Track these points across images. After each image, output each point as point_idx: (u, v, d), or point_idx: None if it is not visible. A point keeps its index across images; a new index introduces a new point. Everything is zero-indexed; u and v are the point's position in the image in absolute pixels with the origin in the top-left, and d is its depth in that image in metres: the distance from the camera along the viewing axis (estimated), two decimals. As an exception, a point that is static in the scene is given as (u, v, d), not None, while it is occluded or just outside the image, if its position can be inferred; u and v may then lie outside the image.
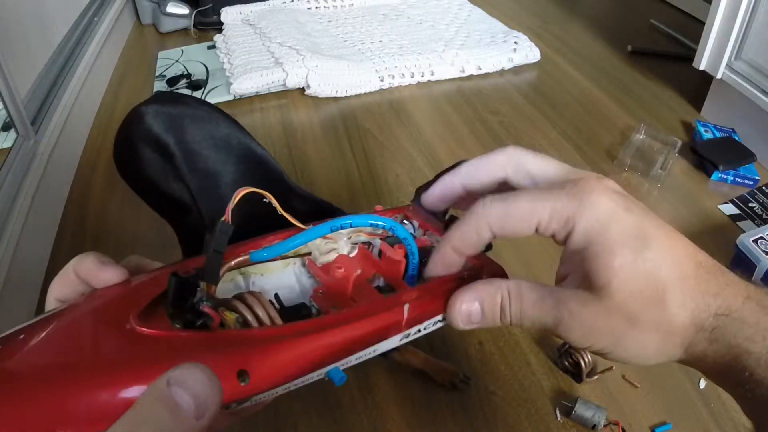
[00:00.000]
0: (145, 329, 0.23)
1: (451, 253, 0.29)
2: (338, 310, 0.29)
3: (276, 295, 0.30)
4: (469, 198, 0.31)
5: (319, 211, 0.70)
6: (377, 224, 0.31)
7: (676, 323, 0.26)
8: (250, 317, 0.26)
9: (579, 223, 0.26)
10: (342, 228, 0.30)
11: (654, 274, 0.26)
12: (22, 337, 0.22)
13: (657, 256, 0.26)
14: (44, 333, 0.22)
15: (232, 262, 0.30)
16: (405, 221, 0.35)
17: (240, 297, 0.27)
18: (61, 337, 0.22)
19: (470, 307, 0.28)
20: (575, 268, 0.28)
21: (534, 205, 0.27)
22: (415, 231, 0.35)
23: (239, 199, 0.27)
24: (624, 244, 0.26)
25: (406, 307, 0.28)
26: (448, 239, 0.29)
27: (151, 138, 0.68)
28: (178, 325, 0.24)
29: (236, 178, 0.69)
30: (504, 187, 0.30)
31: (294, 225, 0.30)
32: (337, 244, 0.32)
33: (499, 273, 0.32)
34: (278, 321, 0.27)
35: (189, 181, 0.67)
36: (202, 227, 0.68)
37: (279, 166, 0.74)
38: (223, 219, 0.26)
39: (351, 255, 0.32)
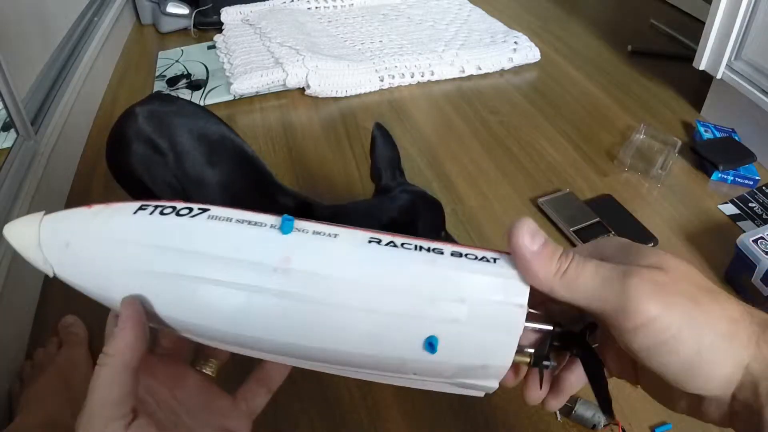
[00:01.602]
0: None
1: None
2: None
3: None
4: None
5: (303, 206, 0.71)
6: None
7: (736, 314, 0.26)
8: None
9: (609, 246, 0.29)
10: None
11: (697, 272, 0.27)
12: None
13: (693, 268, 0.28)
14: None
15: None
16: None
17: None
18: None
19: (535, 231, 0.27)
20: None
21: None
22: None
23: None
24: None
25: None
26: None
27: (144, 137, 0.68)
28: None
29: (226, 179, 0.70)
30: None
31: None
32: None
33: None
34: None
35: (180, 180, 0.68)
36: None
37: (266, 166, 0.75)
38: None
39: None
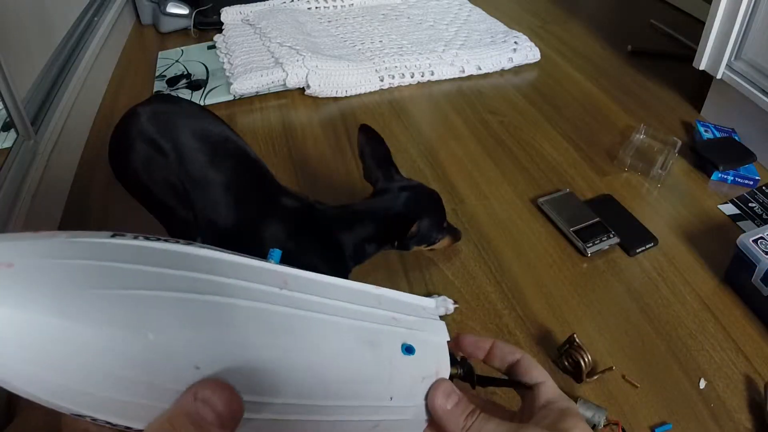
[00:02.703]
0: None
1: None
2: None
3: None
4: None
5: (305, 207, 0.71)
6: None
7: None
8: None
9: (564, 403, 0.33)
10: None
11: None
12: None
13: None
14: None
15: None
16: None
17: None
18: None
19: (452, 392, 0.32)
20: (543, 419, 0.32)
21: (547, 374, 0.35)
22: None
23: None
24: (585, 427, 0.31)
25: None
26: None
27: (146, 138, 0.68)
28: None
29: (228, 180, 0.70)
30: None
31: None
32: None
33: None
34: None
35: (182, 181, 0.68)
36: (191, 224, 0.68)
37: (268, 168, 0.75)
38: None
39: None
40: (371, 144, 0.74)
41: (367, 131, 0.74)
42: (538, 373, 0.35)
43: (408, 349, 0.31)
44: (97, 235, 0.25)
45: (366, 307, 0.32)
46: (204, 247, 0.27)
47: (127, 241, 0.25)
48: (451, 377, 0.34)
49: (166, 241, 0.26)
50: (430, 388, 0.32)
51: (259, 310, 0.27)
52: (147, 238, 0.26)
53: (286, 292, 0.28)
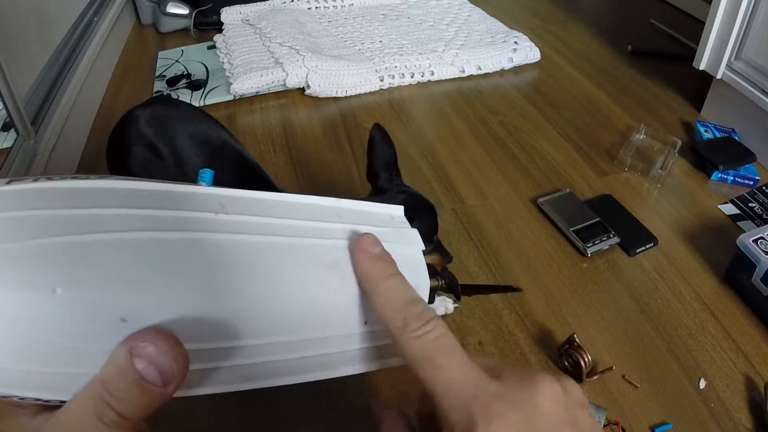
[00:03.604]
0: None
1: None
2: None
3: None
4: None
5: None
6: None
7: None
8: None
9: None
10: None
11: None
12: None
13: None
14: None
15: None
16: None
17: None
18: None
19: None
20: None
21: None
22: None
23: None
24: None
25: None
26: None
27: (144, 141, 0.68)
28: None
29: (226, 185, 0.70)
30: None
31: None
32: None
33: None
34: None
35: (178, 180, 0.68)
36: None
37: (267, 173, 0.75)
38: None
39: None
40: (381, 146, 0.74)
41: (380, 131, 0.74)
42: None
43: None
44: None
45: (323, 223, 0.27)
46: (115, 179, 0.23)
47: (25, 186, 0.21)
48: (433, 291, 0.30)
49: (73, 178, 0.22)
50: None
51: (192, 241, 0.22)
52: (49, 179, 0.22)
53: (223, 217, 0.24)
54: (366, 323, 0.27)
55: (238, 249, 0.23)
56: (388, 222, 0.30)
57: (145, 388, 0.19)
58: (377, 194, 0.72)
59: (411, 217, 0.69)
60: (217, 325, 0.22)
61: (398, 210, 0.31)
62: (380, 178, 0.73)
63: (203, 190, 0.25)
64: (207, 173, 0.27)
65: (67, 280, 0.19)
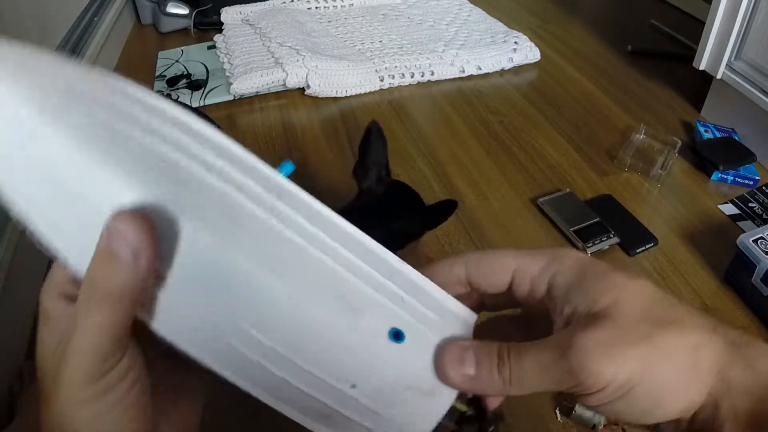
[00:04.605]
0: None
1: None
2: None
3: None
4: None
5: None
6: None
7: (700, 338, 0.24)
8: None
9: (562, 263, 0.26)
10: None
11: (657, 295, 0.25)
12: None
13: (650, 288, 0.25)
14: None
15: None
16: None
17: None
18: None
19: (464, 353, 0.25)
20: (567, 314, 0.25)
21: (516, 253, 0.27)
22: None
23: None
24: (616, 271, 0.25)
25: None
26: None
27: None
28: None
29: None
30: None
31: None
32: None
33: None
34: None
35: None
36: None
37: None
38: None
39: None
40: (377, 143, 0.74)
41: (377, 128, 0.74)
42: (498, 262, 0.27)
43: (396, 335, 0.24)
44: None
45: (373, 270, 0.25)
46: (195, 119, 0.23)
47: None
48: (455, 415, 0.27)
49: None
50: (439, 363, 0.25)
51: (244, 204, 0.22)
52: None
53: (281, 205, 0.23)
54: (354, 387, 0.24)
55: (285, 245, 0.23)
56: (443, 313, 0.26)
57: (116, 263, 0.21)
58: (364, 194, 0.72)
59: (395, 213, 0.69)
60: (252, 303, 0.23)
61: (465, 312, 0.27)
62: (368, 177, 0.73)
63: (270, 172, 0.24)
64: (287, 165, 0.25)
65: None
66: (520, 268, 0.27)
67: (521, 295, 0.27)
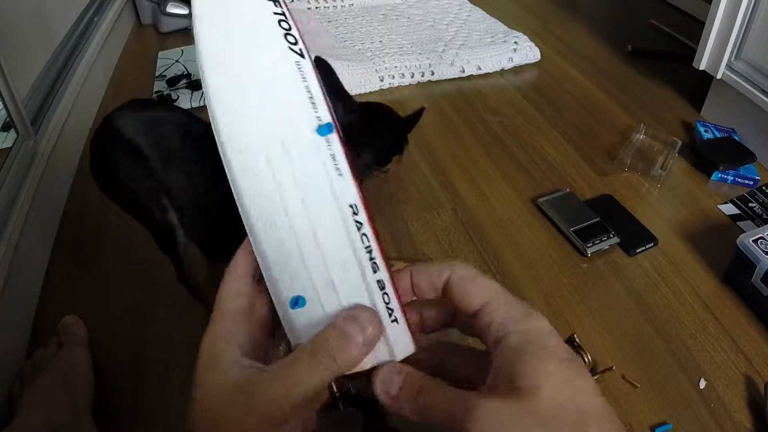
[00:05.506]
0: None
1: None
2: None
3: None
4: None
5: None
6: None
7: None
8: None
9: (522, 324, 0.27)
10: None
11: (583, 397, 0.25)
12: None
13: (587, 385, 0.25)
14: None
15: None
16: None
17: None
18: None
19: (388, 380, 0.28)
20: (498, 373, 0.26)
21: (494, 286, 0.30)
22: None
23: None
24: (561, 359, 0.25)
25: None
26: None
27: (123, 141, 0.68)
28: None
29: (215, 174, 0.69)
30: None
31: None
32: None
33: None
34: None
35: (164, 180, 0.67)
36: (171, 225, 0.67)
37: None
38: None
39: None
40: (326, 76, 0.75)
41: (320, 61, 0.75)
42: (476, 290, 0.30)
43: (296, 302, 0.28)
44: None
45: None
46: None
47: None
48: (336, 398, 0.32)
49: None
50: (373, 378, 0.29)
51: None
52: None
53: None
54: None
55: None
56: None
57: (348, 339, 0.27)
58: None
59: (369, 134, 0.70)
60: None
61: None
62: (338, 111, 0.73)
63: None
64: (328, 125, 0.28)
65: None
66: (491, 303, 0.29)
67: (478, 328, 0.29)
